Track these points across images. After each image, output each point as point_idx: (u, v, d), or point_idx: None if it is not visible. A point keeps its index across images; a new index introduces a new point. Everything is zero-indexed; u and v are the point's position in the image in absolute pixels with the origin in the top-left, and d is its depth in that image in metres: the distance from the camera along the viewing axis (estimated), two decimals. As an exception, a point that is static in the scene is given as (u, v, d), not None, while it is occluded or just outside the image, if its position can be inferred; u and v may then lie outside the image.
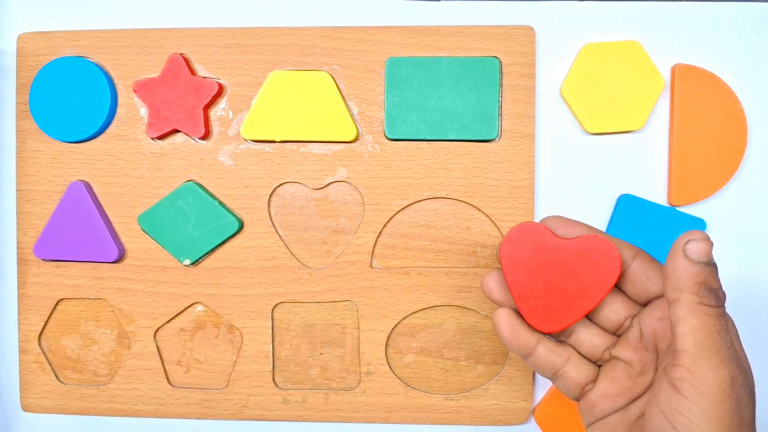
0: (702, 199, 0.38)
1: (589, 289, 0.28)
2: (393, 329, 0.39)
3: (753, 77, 0.38)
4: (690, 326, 0.25)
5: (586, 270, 0.28)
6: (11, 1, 0.40)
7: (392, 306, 0.38)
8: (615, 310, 0.29)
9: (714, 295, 0.25)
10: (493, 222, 0.38)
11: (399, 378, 0.39)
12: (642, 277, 0.28)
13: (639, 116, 0.37)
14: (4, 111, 0.40)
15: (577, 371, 0.29)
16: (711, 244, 0.25)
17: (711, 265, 0.25)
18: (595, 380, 0.29)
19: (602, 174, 0.38)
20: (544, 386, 0.39)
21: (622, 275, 0.29)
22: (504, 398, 0.38)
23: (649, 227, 0.37)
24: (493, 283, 0.30)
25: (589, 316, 0.30)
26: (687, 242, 0.25)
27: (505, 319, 0.29)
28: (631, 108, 0.37)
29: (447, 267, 0.38)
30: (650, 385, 0.27)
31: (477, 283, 0.38)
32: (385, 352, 0.39)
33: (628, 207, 0.37)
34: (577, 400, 0.29)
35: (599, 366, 0.29)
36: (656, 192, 0.38)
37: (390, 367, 0.39)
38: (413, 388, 0.39)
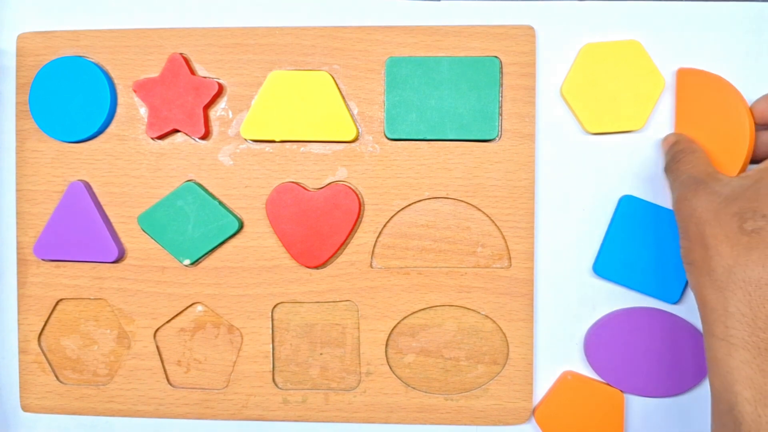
0: (702, 199, 0.38)
1: (338, 227, 0.36)
2: (393, 329, 0.39)
3: (754, 77, 0.38)
4: None
5: (333, 213, 0.37)
6: (11, 1, 0.40)
7: (392, 306, 0.38)
8: None
9: None
10: (493, 222, 0.38)
11: (399, 378, 0.39)
12: None
13: (639, 116, 0.37)
14: (4, 111, 0.40)
15: None
16: None
17: None
18: None
19: (603, 174, 0.38)
20: (544, 386, 0.39)
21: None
22: (504, 398, 0.38)
23: (650, 229, 0.37)
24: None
25: None
26: None
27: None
28: (631, 108, 0.37)
29: (447, 267, 0.38)
30: None
31: (477, 283, 0.38)
32: (385, 352, 0.39)
33: (629, 208, 0.37)
34: None
35: None
36: (656, 192, 0.38)
37: (390, 367, 0.39)
38: (413, 388, 0.39)
